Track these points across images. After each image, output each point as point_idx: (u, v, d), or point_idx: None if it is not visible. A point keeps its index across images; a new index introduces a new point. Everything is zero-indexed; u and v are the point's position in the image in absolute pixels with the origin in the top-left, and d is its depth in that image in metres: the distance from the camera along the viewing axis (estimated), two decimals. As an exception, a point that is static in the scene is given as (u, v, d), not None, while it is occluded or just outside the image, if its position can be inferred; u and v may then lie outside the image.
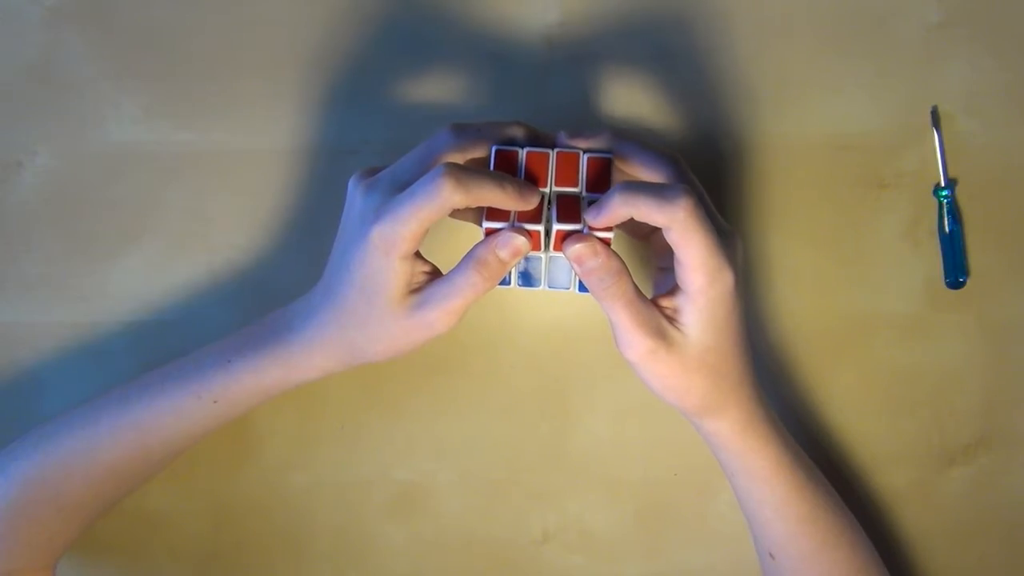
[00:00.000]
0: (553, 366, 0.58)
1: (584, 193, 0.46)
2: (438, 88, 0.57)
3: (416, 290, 0.46)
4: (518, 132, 0.47)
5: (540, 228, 0.46)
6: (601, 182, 0.47)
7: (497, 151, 0.46)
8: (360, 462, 0.58)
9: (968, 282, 0.57)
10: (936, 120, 0.57)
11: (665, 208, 0.43)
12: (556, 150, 0.47)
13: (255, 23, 0.57)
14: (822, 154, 0.57)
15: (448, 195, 0.43)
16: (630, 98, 0.57)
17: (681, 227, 0.43)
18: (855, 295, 0.57)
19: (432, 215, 0.43)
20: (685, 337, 0.46)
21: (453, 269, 0.46)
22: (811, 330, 0.57)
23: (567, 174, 0.46)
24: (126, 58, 0.57)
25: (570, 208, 0.46)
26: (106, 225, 0.57)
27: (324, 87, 0.56)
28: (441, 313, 0.46)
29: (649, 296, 0.47)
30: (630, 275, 0.46)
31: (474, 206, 0.45)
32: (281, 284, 0.57)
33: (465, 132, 0.47)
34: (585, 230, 0.45)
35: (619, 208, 0.43)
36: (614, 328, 0.47)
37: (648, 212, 0.43)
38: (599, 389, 0.58)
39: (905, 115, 0.57)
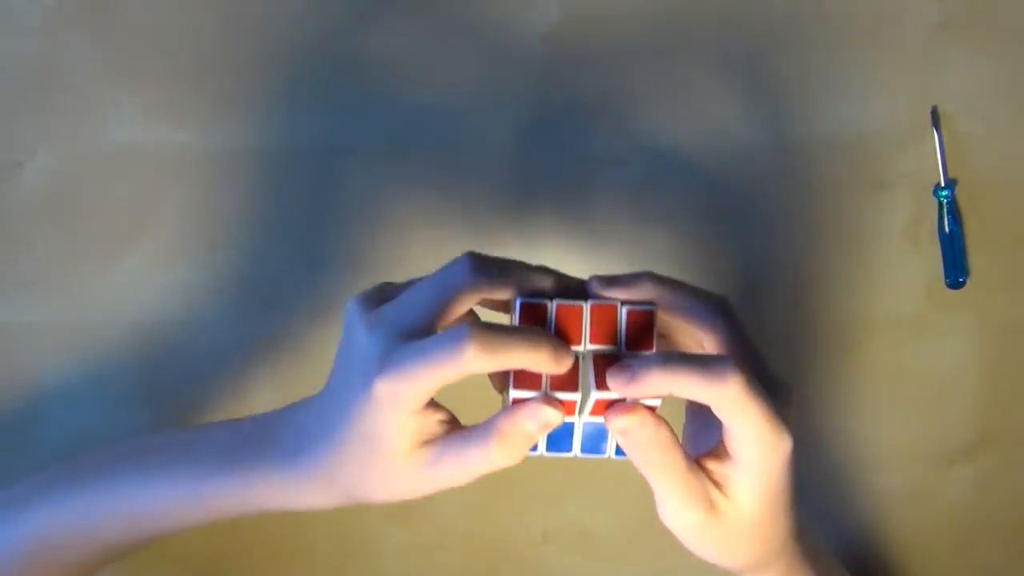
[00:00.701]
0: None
1: (624, 351, 0.40)
2: (438, 88, 0.57)
3: (428, 442, 0.41)
4: (546, 282, 0.41)
5: (577, 397, 0.40)
6: (643, 339, 0.40)
7: (523, 305, 0.40)
8: (360, 462, 0.58)
9: (968, 282, 0.57)
10: (936, 120, 0.57)
11: (713, 385, 0.37)
12: (590, 302, 0.40)
13: (255, 23, 0.57)
14: (822, 154, 0.57)
15: (472, 361, 0.37)
16: (630, 98, 0.57)
17: (731, 405, 0.38)
18: (855, 295, 0.57)
19: (449, 378, 0.37)
20: (735, 506, 0.41)
21: (472, 432, 0.40)
22: (811, 330, 0.57)
23: (604, 330, 0.40)
24: (126, 58, 0.57)
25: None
26: (106, 225, 0.57)
27: (324, 87, 0.56)
28: (458, 476, 0.41)
29: (683, 441, 0.43)
30: (679, 444, 0.40)
31: (500, 370, 0.39)
32: (281, 284, 0.57)
33: (486, 269, 0.40)
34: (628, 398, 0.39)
35: (657, 384, 0.38)
36: (657, 496, 0.41)
37: (693, 390, 0.38)
38: (599, 389, 0.58)
39: (905, 115, 0.57)
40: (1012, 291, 0.57)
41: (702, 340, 0.42)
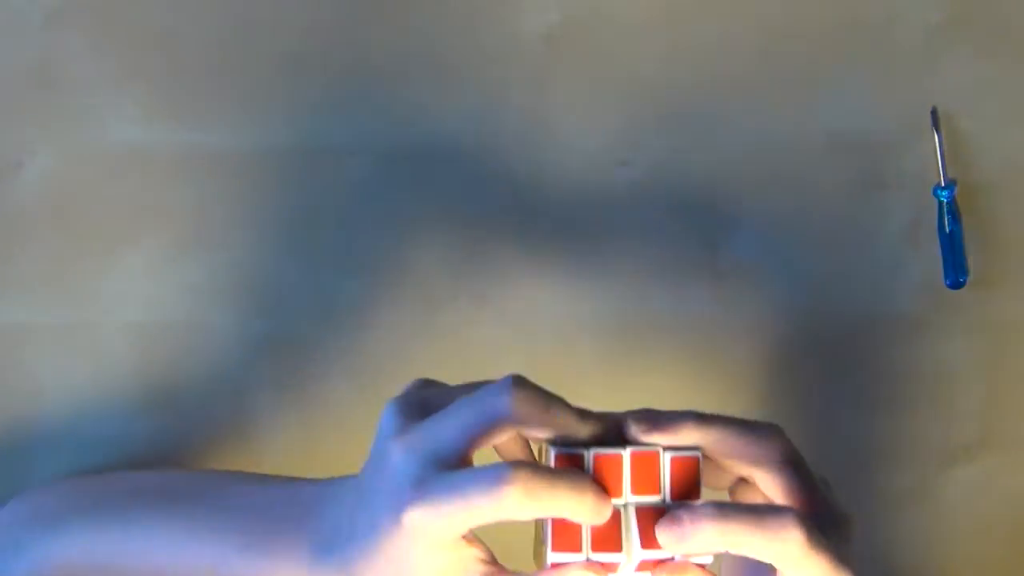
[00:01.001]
0: (553, 365, 0.58)
1: (668, 501, 0.37)
2: (438, 88, 0.57)
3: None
4: (586, 429, 0.39)
5: (620, 558, 0.37)
6: (688, 487, 0.38)
7: (558, 455, 0.37)
8: (360, 462, 0.58)
9: (968, 282, 0.57)
10: (936, 120, 0.57)
11: (773, 542, 0.35)
12: (630, 449, 0.38)
13: (255, 23, 0.57)
14: (822, 154, 0.57)
15: (511, 505, 0.35)
16: (629, 98, 0.57)
17: (792, 564, 0.35)
18: (855, 295, 0.57)
19: (486, 519, 0.35)
20: None
21: None
22: (811, 330, 0.57)
23: (647, 480, 0.37)
24: (126, 58, 0.57)
25: (653, 525, 0.37)
26: (106, 225, 0.57)
27: (324, 87, 0.56)
28: None
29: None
30: None
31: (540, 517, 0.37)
32: (281, 284, 0.57)
33: (531, 403, 0.37)
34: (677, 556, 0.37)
35: (711, 540, 0.35)
36: None
37: (750, 547, 0.35)
38: (599, 389, 0.58)
39: (905, 115, 0.57)
40: (1012, 291, 0.57)
41: (753, 477, 0.39)
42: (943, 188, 0.56)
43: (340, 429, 0.58)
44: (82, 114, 0.57)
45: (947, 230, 0.57)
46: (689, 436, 0.38)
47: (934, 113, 0.57)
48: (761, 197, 0.57)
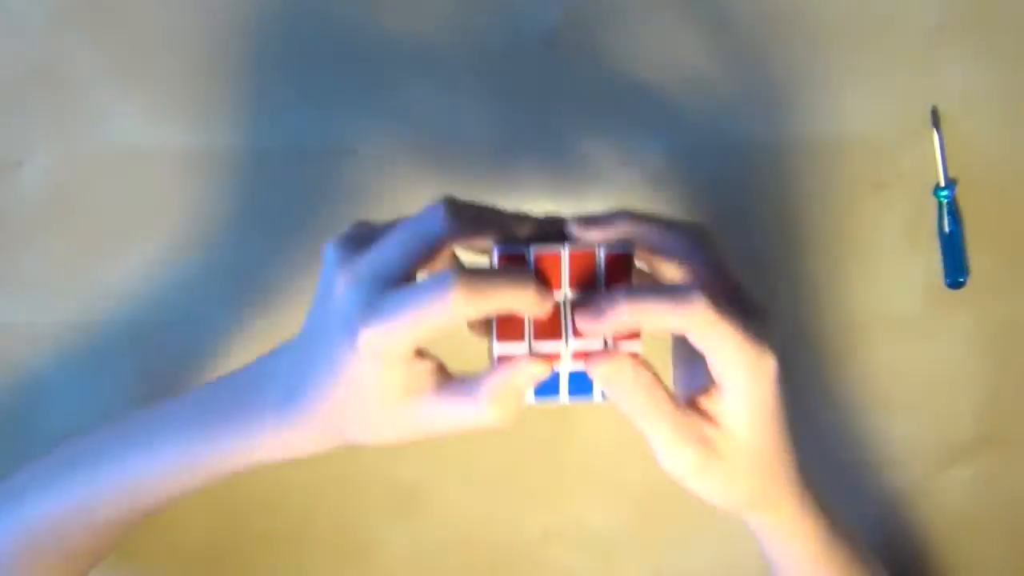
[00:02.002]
0: (553, 366, 0.58)
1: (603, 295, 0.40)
2: (438, 88, 0.57)
3: (417, 392, 0.40)
4: (523, 227, 0.41)
5: (561, 346, 0.40)
6: (622, 281, 0.40)
7: (500, 254, 0.40)
8: (361, 462, 0.58)
9: (968, 282, 0.57)
10: (936, 120, 0.57)
11: (679, 310, 0.37)
12: (568, 247, 0.40)
13: (255, 23, 0.57)
14: (822, 154, 0.57)
15: (457, 306, 0.36)
16: (629, 98, 0.57)
17: (702, 329, 0.38)
18: (855, 295, 0.57)
19: (436, 328, 0.37)
20: (732, 441, 0.41)
21: (462, 388, 0.40)
22: (811, 330, 0.57)
23: (583, 275, 0.40)
24: (126, 58, 0.57)
25: None
26: (106, 225, 0.57)
27: (323, 87, 0.56)
28: (444, 430, 0.40)
29: (673, 387, 0.43)
30: (663, 386, 0.40)
31: (484, 317, 0.39)
32: (281, 284, 0.57)
33: (463, 215, 0.40)
34: (610, 343, 0.40)
35: (625, 318, 0.38)
36: (650, 442, 0.41)
37: (662, 320, 0.38)
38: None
39: (905, 115, 0.57)
40: (1012, 291, 0.57)
41: (679, 274, 0.42)
42: (943, 188, 0.56)
43: (340, 429, 0.58)
44: (82, 114, 0.57)
45: (947, 230, 0.57)
46: (622, 231, 0.41)
47: (934, 113, 0.57)
48: (761, 197, 0.57)
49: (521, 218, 0.41)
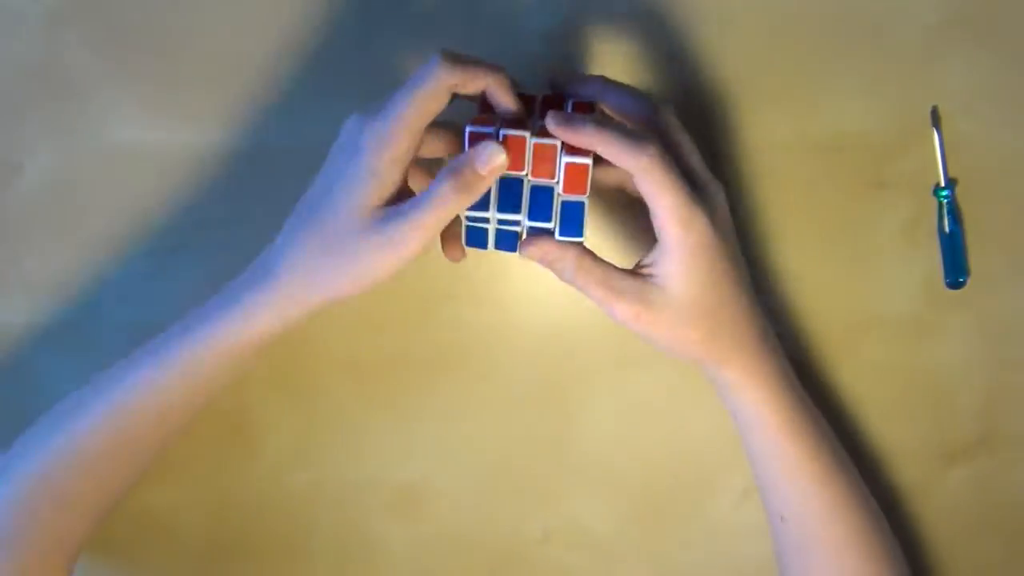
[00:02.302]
0: (553, 366, 0.58)
1: (560, 181, 0.47)
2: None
3: (389, 202, 0.46)
4: (504, 91, 0.47)
5: (526, 134, 0.45)
6: (578, 183, 0.47)
7: (471, 132, 0.46)
8: (360, 462, 0.58)
9: (968, 282, 0.57)
10: (936, 120, 0.57)
11: (631, 152, 0.44)
12: (533, 138, 0.46)
13: (254, 23, 0.56)
14: (822, 154, 0.57)
15: (443, 74, 0.44)
16: (630, 98, 0.57)
17: (647, 174, 0.44)
18: (855, 295, 0.57)
19: (428, 102, 0.44)
20: (665, 292, 0.47)
21: (430, 184, 0.45)
22: (811, 330, 0.57)
23: (544, 165, 0.46)
24: (126, 58, 0.57)
25: (552, 157, 0.46)
26: (106, 225, 0.57)
27: (323, 87, 0.56)
28: (410, 229, 0.45)
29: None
30: (591, 254, 0.47)
31: (468, 91, 0.46)
32: (281, 284, 0.57)
33: (458, 61, 0.45)
34: (562, 156, 0.46)
35: (590, 135, 0.44)
36: (598, 303, 0.47)
37: (615, 152, 0.44)
38: (599, 389, 0.58)
39: (905, 115, 0.57)
40: (1012, 291, 0.57)
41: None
42: (943, 188, 0.56)
43: (340, 429, 0.58)
44: (82, 114, 0.57)
45: (947, 230, 0.57)
46: (592, 91, 0.49)
47: (934, 113, 0.57)
48: (761, 197, 0.57)
49: (508, 82, 0.47)
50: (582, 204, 0.46)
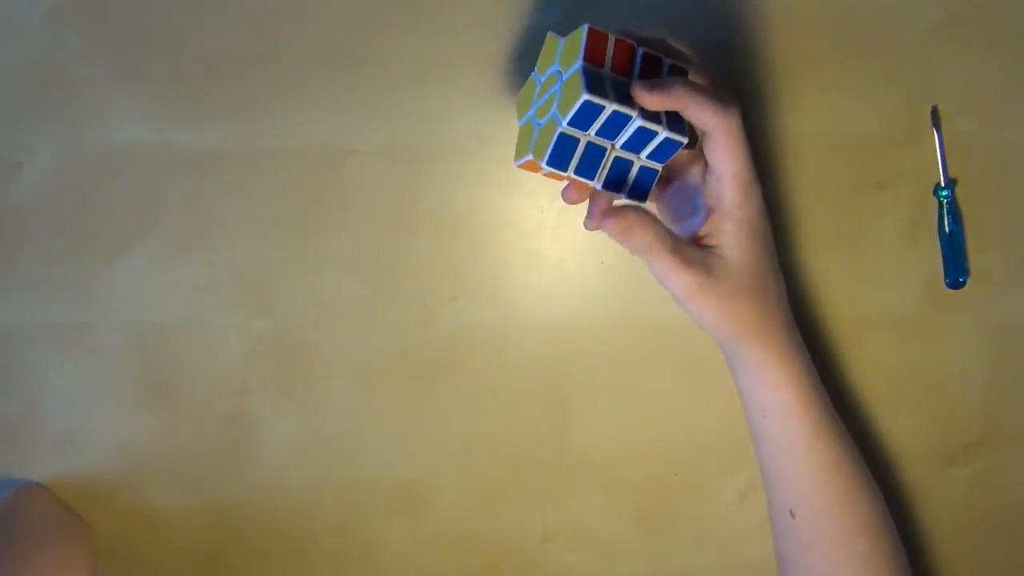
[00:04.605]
0: (553, 366, 0.58)
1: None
2: (438, 88, 0.57)
3: None
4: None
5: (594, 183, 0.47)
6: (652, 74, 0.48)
7: (590, 29, 0.46)
8: (361, 462, 0.58)
9: (968, 282, 0.57)
10: (936, 120, 0.57)
11: (718, 111, 0.45)
12: (642, 51, 0.47)
13: (254, 23, 0.57)
14: (822, 154, 0.57)
15: None
16: (630, 98, 0.57)
17: (727, 133, 0.46)
18: (855, 295, 0.57)
19: None
20: (727, 262, 0.48)
21: None
22: (811, 330, 0.57)
23: (622, 62, 0.47)
24: (126, 58, 0.57)
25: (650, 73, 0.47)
26: (106, 225, 0.57)
27: (324, 87, 0.56)
28: None
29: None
30: (659, 225, 0.47)
31: None
32: (281, 284, 0.57)
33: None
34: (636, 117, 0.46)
35: (679, 96, 0.45)
36: (656, 275, 0.48)
37: (703, 111, 0.45)
38: (599, 389, 0.58)
39: (905, 115, 0.57)
40: (1012, 291, 0.57)
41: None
42: (943, 188, 0.56)
43: (340, 429, 0.58)
44: (82, 114, 0.57)
45: (947, 230, 0.57)
46: (676, 101, 0.47)
47: (934, 113, 0.57)
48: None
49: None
50: (656, 172, 0.48)
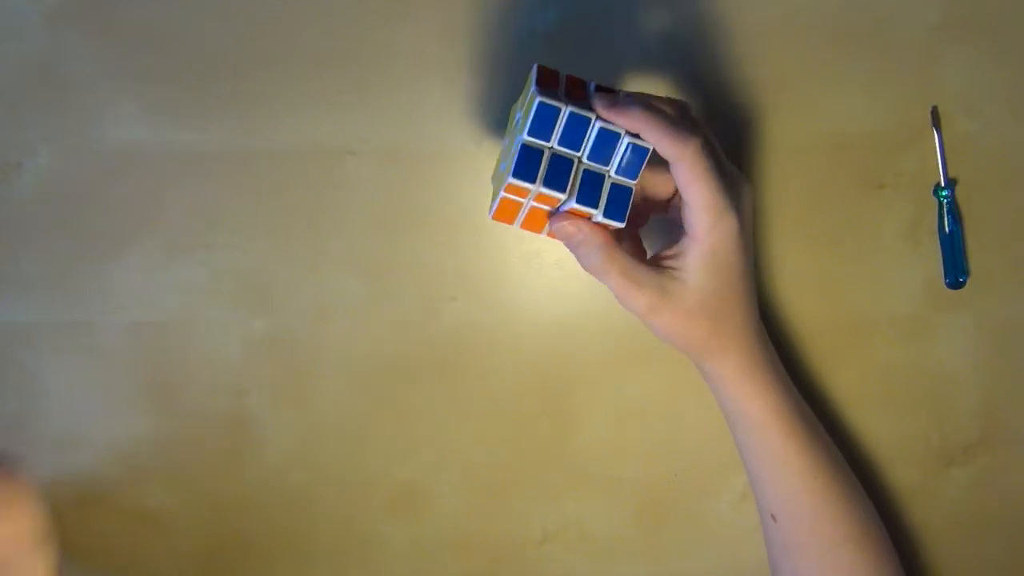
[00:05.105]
0: (553, 366, 0.58)
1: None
2: (438, 88, 0.57)
3: None
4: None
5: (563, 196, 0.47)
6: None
7: (539, 67, 0.47)
8: (360, 462, 0.58)
9: (968, 282, 0.57)
10: (936, 120, 0.57)
11: (677, 141, 0.45)
12: (565, 75, 0.47)
13: (254, 23, 0.56)
14: (822, 154, 0.57)
15: None
16: (630, 98, 0.57)
17: (689, 164, 0.45)
18: (855, 295, 0.57)
19: None
20: (684, 284, 0.48)
21: None
22: (811, 330, 0.57)
23: (576, 92, 0.47)
24: (126, 58, 0.57)
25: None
26: (106, 225, 0.57)
27: (323, 87, 0.56)
28: None
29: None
30: (616, 244, 0.47)
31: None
32: (281, 284, 0.57)
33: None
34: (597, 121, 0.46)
35: (637, 119, 0.45)
36: (613, 294, 0.48)
37: (660, 138, 0.45)
38: (599, 389, 0.58)
39: (905, 115, 0.57)
40: (1012, 291, 0.57)
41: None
42: (943, 188, 0.56)
43: (340, 429, 0.58)
44: (82, 114, 0.57)
45: (947, 230, 0.57)
46: (634, 122, 0.46)
47: (934, 113, 0.57)
48: (761, 196, 0.57)
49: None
50: (631, 190, 0.47)
